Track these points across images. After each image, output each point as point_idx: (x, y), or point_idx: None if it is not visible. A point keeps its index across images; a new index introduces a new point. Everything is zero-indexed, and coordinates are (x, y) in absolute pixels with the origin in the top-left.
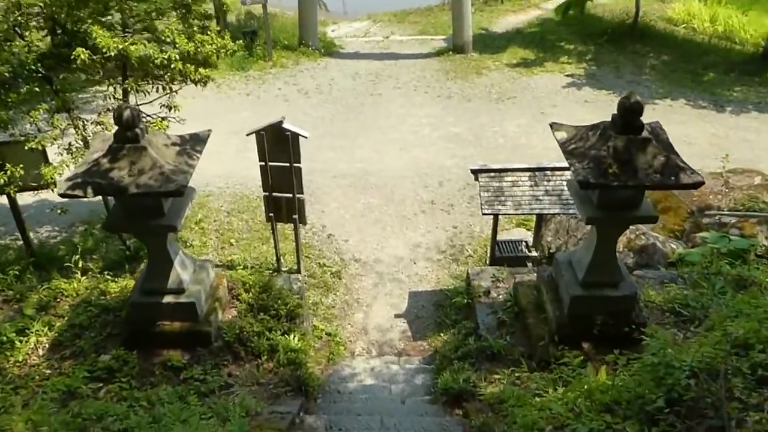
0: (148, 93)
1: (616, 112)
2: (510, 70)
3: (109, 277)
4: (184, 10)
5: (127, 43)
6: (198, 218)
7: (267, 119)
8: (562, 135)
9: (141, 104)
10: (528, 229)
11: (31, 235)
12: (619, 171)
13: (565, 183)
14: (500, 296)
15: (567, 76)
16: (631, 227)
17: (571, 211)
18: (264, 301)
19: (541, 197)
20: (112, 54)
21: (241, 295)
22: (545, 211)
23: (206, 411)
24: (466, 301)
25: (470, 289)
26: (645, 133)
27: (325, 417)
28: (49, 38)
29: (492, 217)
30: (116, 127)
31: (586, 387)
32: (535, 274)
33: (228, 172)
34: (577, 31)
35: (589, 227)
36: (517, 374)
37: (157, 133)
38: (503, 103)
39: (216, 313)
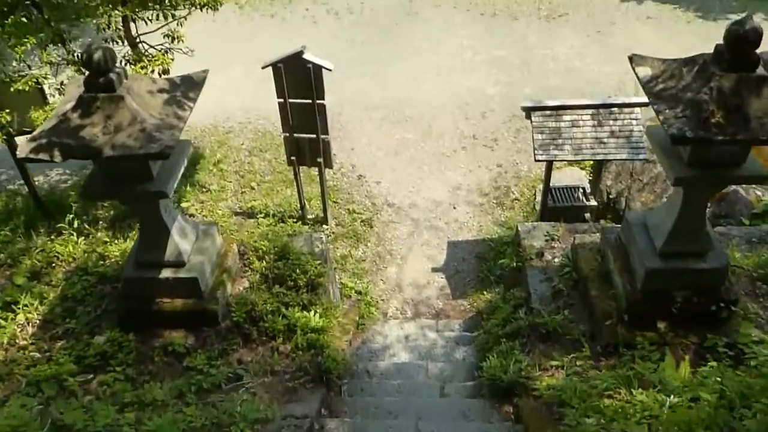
0: (150, 21)
1: (722, 41)
2: None
3: (108, 238)
4: None
5: None
6: (217, 158)
7: (292, 44)
8: (645, 72)
9: (144, 34)
10: (582, 168)
11: (41, 179)
12: (725, 120)
13: (633, 122)
14: (556, 259)
15: None
16: None
17: (641, 157)
18: (280, 270)
19: (605, 140)
20: None
21: (254, 263)
22: (610, 157)
23: (205, 418)
24: (515, 264)
25: (520, 250)
26: (760, 70)
27: (348, 421)
28: None
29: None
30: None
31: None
32: (598, 235)
33: (250, 105)
34: None
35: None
36: (579, 362)
37: (140, 77)
38: (554, 21)
39: (224, 286)
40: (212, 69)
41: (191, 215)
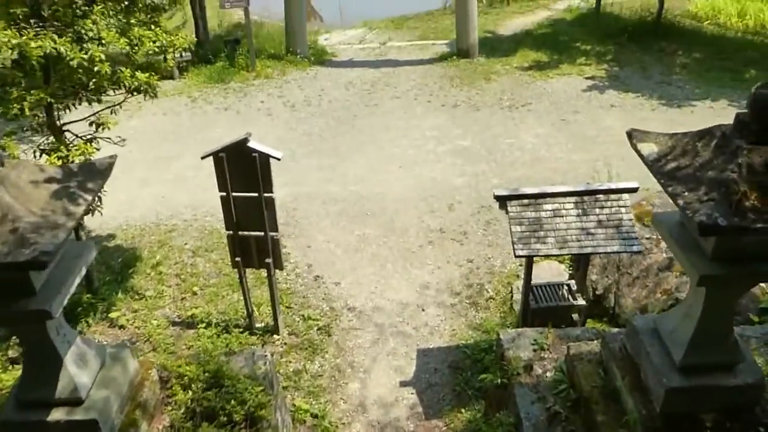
0: (75, 106)
1: (745, 110)
2: (522, 74)
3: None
4: (126, 2)
5: (23, 38)
6: (156, 260)
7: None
8: (650, 149)
9: (71, 122)
10: (561, 262)
11: None
12: (762, 203)
13: (623, 210)
14: (548, 373)
15: (587, 78)
16: None
17: (635, 248)
18: (211, 401)
19: (593, 230)
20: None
21: (178, 394)
22: (600, 250)
23: None
24: (499, 380)
25: (504, 363)
26: None
27: None
28: None
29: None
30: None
31: None
32: (597, 342)
33: (198, 201)
34: (593, 30)
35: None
36: None
37: (24, 163)
38: (517, 110)
39: (136, 427)
40: (160, 163)
41: (121, 327)
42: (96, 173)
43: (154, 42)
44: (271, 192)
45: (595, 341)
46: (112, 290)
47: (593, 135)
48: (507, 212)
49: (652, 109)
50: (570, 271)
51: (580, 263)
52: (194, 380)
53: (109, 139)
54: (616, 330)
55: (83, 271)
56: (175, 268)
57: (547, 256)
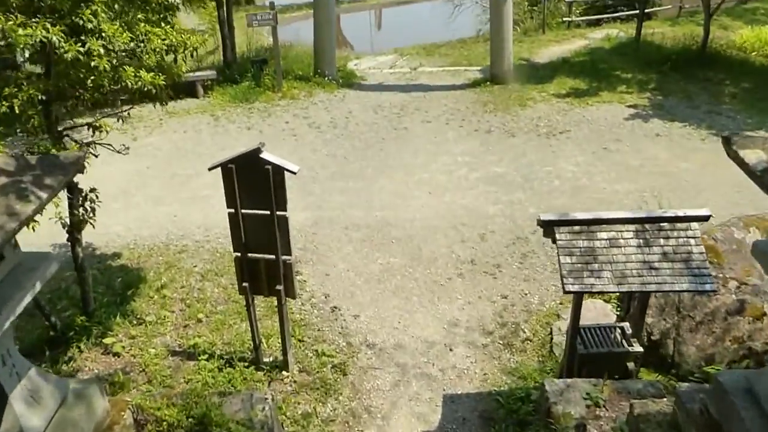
0: (76, 109)
1: None
2: (559, 101)
3: None
4: None
5: (9, 23)
6: (161, 283)
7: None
8: (757, 156)
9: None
10: (606, 301)
11: None
12: None
13: (692, 241)
14: None
15: (629, 107)
16: None
17: (708, 287)
18: None
19: (657, 264)
20: None
21: None
22: (666, 288)
23: None
24: None
25: (550, 421)
26: None
27: None
28: None
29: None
30: None
31: None
32: (666, 401)
33: (212, 221)
34: (633, 59)
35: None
36: None
37: None
38: (555, 138)
39: None
40: (176, 181)
41: (116, 354)
42: (57, 167)
43: (163, 40)
44: (285, 210)
45: (664, 399)
46: (109, 313)
47: (638, 165)
48: (554, 240)
49: (701, 139)
50: (618, 312)
51: (632, 302)
52: (175, 426)
53: (110, 146)
54: (688, 385)
55: (37, 287)
56: (181, 292)
57: (600, 293)
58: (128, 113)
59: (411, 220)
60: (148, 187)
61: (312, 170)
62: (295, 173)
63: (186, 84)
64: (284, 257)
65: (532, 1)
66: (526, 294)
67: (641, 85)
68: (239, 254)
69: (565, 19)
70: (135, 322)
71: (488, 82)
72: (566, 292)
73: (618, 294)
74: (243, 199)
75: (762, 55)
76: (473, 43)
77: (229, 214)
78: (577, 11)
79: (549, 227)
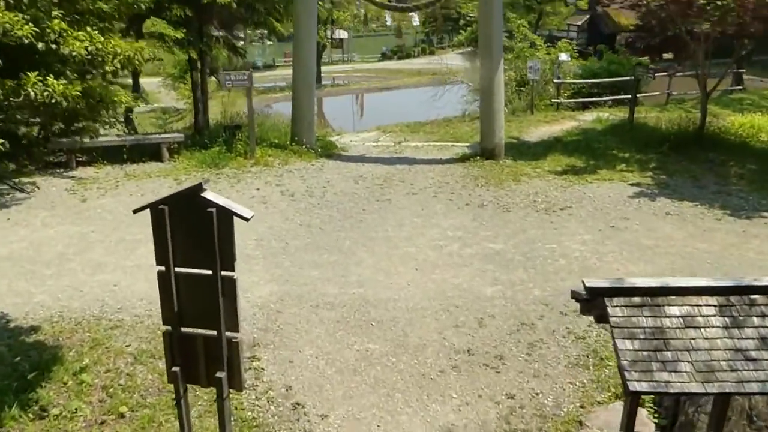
0: None
1: None
2: (556, 177)
3: None
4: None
5: None
6: (82, 365)
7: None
8: None
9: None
10: (641, 405)
11: None
12: None
13: None
14: None
15: (632, 185)
16: None
17: None
18: None
19: (753, 352)
20: None
21: None
22: None
23: None
24: None
25: None
26: None
27: None
28: None
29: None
30: None
31: None
32: None
33: (157, 293)
34: (627, 140)
35: None
36: None
37: None
38: (555, 214)
39: None
40: (122, 247)
41: None
42: None
43: (82, 43)
44: (233, 270)
45: None
46: (4, 403)
47: (651, 244)
48: (600, 319)
49: (716, 219)
50: (656, 420)
51: (682, 407)
52: None
53: (13, 183)
54: None
55: None
56: (105, 378)
57: (682, 394)
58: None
59: (394, 299)
60: (89, 252)
61: (281, 240)
62: (247, 219)
63: (150, 146)
64: (229, 334)
65: (520, 82)
66: (537, 394)
67: (641, 164)
68: (169, 328)
69: (553, 100)
70: (36, 415)
71: (478, 157)
72: (630, 393)
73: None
74: (178, 253)
75: (759, 141)
76: (459, 122)
77: (159, 273)
78: (565, 94)
79: (594, 298)
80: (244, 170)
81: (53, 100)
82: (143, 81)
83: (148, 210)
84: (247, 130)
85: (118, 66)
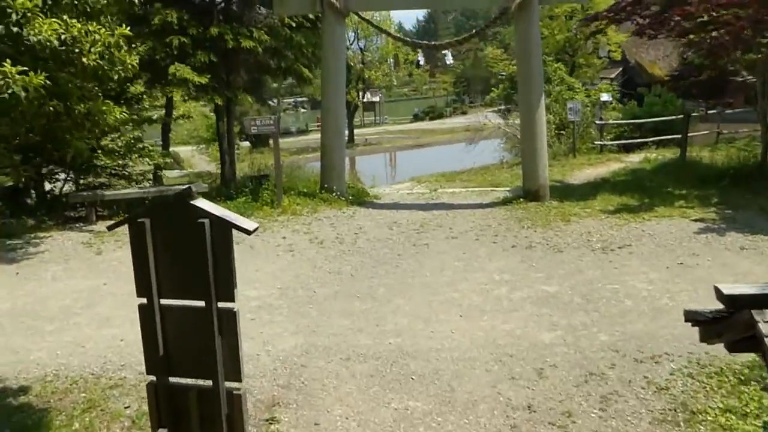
0: None
1: None
2: (608, 216)
3: None
4: None
5: None
6: (71, 430)
7: (252, 275)
8: None
9: None
10: None
11: None
12: None
13: None
14: None
15: (695, 221)
16: None
17: None
18: None
19: None
20: None
21: None
22: None
23: None
24: None
25: None
26: None
27: None
28: None
29: None
30: None
31: None
32: None
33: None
34: (682, 177)
35: None
36: None
37: None
38: (613, 253)
39: None
40: (134, 299)
41: None
42: None
43: (54, 30)
44: (233, 300)
45: None
46: None
47: (730, 281)
48: (758, 336)
49: None
50: None
51: None
52: None
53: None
54: None
55: None
56: None
57: None
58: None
59: (437, 349)
60: (98, 305)
61: (308, 289)
62: (250, 232)
63: None
64: (229, 384)
65: (559, 126)
66: None
67: (702, 200)
68: (155, 378)
69: (596, 143)
70: None
71: (521, 199)
72: None
73: None
74: (164, 280)
75: None
76: (497, 169)
77: (140, 308)
78: (608, 136)
79: (735, 312)
80: (270, 219)
81: (10, 91)
82: (179, 149)
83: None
84: (274, 179)
85: (97, 58)
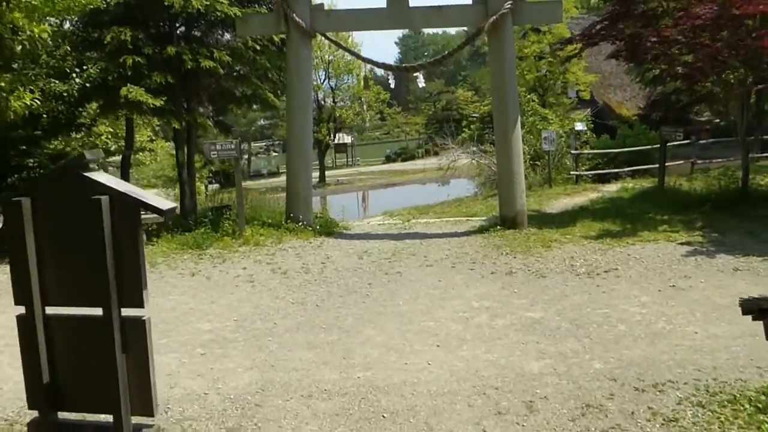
0: None
1: None
2: (591, 241)
3: None
4: None
5: None
6: None
7: (209, 306)
8: None
9: None
10: None
11: None
12: None
13: None
14: None
15: (681, 244)
16: None
17: None
18: None
19: None
20: None
21: None
22: None
23: None
24: None
25: None
26: None
27: None
28: None
29: None
30: None
31: None
32: None
33: None
34: (663, 204)
35: None
36: None
37: None
38: (600, 277)
39: None
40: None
41: None
42: None
43: None
44: (141, 305)
45: None
46: None
47: (726, 303)
48: None
49: None
50: None
51: None
52: None
53: None
54: None
55: None
56: None
57: None
58: None
59: (412, 383)
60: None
61: (268, 320)
62: (163, 212)
63: None
64: (137, 420)
65: (534, 156)
66: None
67: (686, 224)
68: (38, 414)
69: (572, 173)
70: None
71: (498, 227)
72: None
73: None
74: (49, 281)
75: None
76: (471, 201)
77: (19, 319)
78: (583, 167)
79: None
80: (230, 250)
81: None
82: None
83: None
84: (236, 209)
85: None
